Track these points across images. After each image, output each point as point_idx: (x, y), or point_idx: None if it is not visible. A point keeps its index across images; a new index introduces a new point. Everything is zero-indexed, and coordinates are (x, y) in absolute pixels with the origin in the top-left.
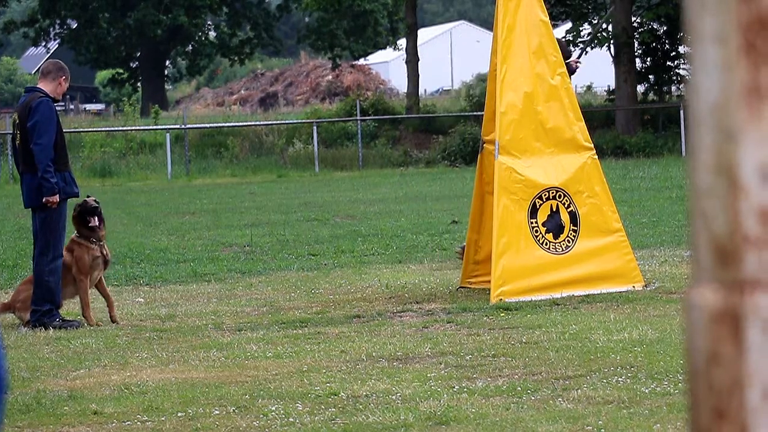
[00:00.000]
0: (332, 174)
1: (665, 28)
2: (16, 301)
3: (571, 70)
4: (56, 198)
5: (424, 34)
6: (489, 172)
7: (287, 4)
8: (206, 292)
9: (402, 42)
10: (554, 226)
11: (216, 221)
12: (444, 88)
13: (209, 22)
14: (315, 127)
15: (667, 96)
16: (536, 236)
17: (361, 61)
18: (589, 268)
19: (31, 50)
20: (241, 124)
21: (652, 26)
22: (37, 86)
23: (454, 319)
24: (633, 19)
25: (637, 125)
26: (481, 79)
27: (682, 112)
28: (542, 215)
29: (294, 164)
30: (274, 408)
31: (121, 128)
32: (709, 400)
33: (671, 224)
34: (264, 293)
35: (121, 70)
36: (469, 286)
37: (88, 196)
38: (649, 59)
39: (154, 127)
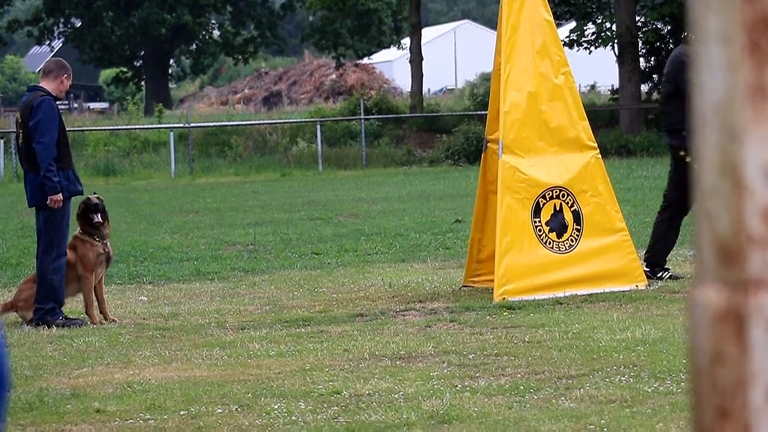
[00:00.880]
0: (336, 173)
1: (669, 27)
2: (18, 300)
3: None
4: (59, 197)
5: (428, 34)
6: (493, 171)
7: (291, 3)
8: (209, 290)
9: (406, 41)
10: (557, 225)
11: (219, 220)
12: (448, 87)
13: (213, 21)
14: (318, 126)
15: None
16: (539, 235)
17: (365, 60)
18: (592, 267)
19: (35, 49)
20: (244, 123)
21: (656, 26)
22: (40, 85)
23: (457, 318)
24: (637, 18)
25: (641, 125)
26: (485, 78)
27: None
28: (546, 214)
29: (297, 163)
30: (276, 406)
31: (124, 127)
32: (713, 399)
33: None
34: (267, 292)
35: (125, 69)
36: (472, 284)
37: (93, 194)
38: (653, 59)
39: (158, 125)
